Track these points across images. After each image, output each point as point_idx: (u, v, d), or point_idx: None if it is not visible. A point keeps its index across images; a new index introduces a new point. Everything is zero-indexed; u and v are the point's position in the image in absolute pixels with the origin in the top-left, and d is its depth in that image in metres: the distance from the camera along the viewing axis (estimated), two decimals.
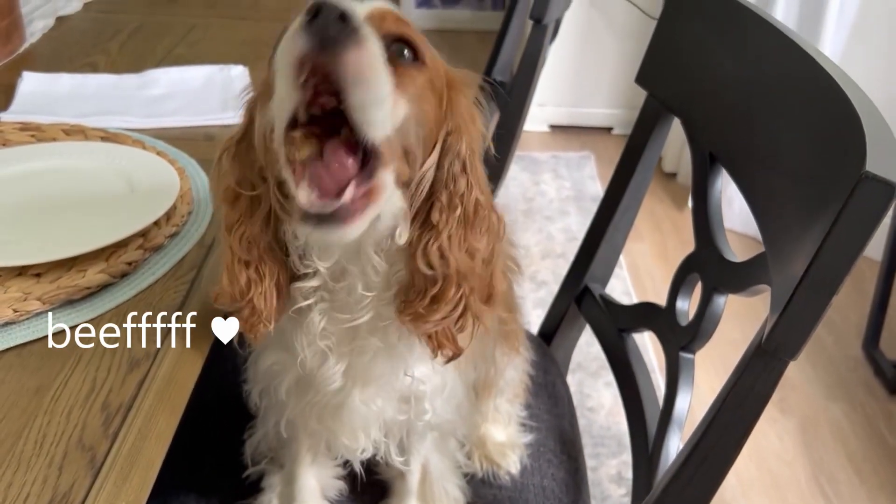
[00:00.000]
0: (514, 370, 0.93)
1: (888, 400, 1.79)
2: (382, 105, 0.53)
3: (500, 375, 0.90)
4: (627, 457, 1.63)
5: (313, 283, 0.63)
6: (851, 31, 2.13)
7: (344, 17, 0.49)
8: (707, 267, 0.87)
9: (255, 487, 0.86)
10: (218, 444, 0.89)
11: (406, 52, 0.56)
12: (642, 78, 1.05)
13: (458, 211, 0.59)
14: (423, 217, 0.61)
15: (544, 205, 2.50)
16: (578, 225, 2.39)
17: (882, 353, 1.87)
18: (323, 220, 0.53)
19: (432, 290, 0.60)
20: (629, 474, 1.60)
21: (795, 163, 0.72)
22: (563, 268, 2.20)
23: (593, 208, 2.67)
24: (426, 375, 0.70)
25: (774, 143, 0.77)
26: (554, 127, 2.95)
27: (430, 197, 0.60)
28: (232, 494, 0.85)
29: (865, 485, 1.58)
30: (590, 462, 1.58)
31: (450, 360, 0.65)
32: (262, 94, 0.59)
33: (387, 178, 0.55)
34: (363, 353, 0.68)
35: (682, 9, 0.97)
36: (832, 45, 2.10)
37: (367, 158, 0.54)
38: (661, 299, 0.96)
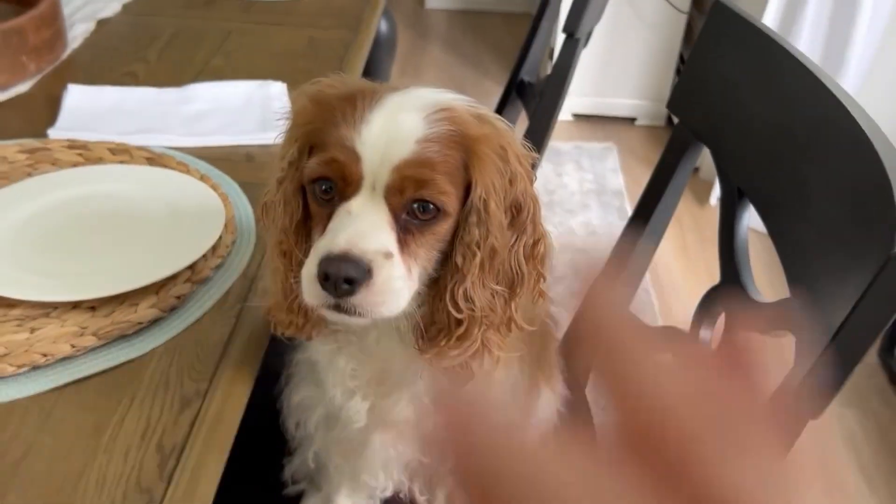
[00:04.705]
0: (548, 406, 0.96)
1: None
2: (400, 300, 0.60)
3: (532, 415, 0.93)
4: None
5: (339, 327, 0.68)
6: (884, 33, 2.11)
7: (351, 281, 0.56)
8: (731, 303, 0.89)
9: (288, 500, 0.91)
10: (256, 461, 0.93)
11: (430, 206, 0.60)
12: (673, 104, 1.07)
13: (478, 257, 0.62)
14: (446, 259, 0.64)
15: (566, 197, 2.51)
16: (599, 219, 2.40)
17: None
18: (339, 310, 0.59)
19: (458, 331, 0.64)
20: None
21: (823, 218, 0.73)
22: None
23: (614, 203, 2.67)
24: None
25: (803, 193, 0.78)
26: (577, 116, 2.95)
27: (451, 241, 0.64)
28: None
29: (876, 495, 1.61)
30: None
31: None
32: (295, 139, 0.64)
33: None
34: (388, 396, 0.72)
35: (717, 40, 0.98)
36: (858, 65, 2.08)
37: None
38: (680, 298, 0.98)
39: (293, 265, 0.64)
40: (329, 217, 0.60)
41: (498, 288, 0.64)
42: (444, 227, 0.61)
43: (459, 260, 0.62)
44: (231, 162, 0.98)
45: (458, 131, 0.60)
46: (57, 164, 0.94)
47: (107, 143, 0.97)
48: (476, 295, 0.62)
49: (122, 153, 0.96)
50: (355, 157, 0.58)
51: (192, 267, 0.78)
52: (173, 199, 0.87)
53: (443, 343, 0.64)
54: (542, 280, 0.66)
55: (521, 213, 0.63)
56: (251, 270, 0.81)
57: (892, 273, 0.56)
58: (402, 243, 0.59)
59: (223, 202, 0.87)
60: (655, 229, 1.10)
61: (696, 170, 2.65)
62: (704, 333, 0.95)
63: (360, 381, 0.70)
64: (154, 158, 0.95)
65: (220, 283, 0.79)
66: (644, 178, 1.08)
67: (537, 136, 1.55)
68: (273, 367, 0.90)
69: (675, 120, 1.03)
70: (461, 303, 0.63)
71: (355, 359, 0.70)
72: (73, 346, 0.69)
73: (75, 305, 0.74)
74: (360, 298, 0.57)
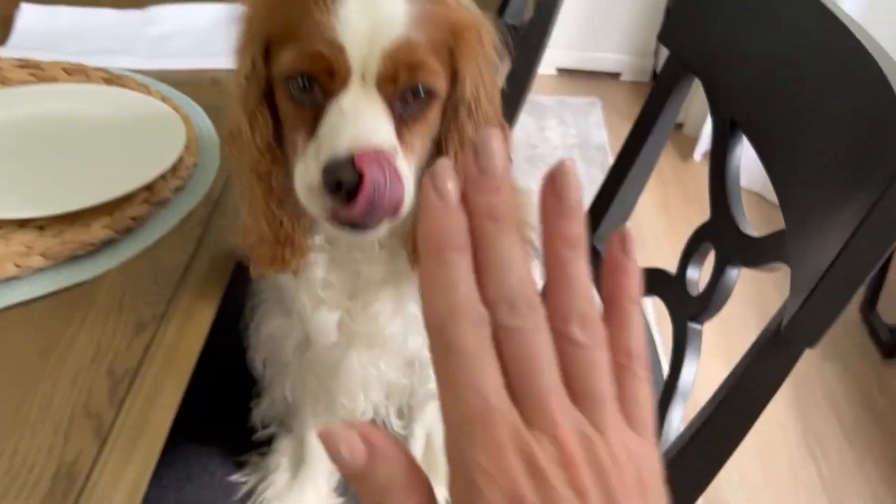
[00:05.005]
0: None
1: (881, 363, 1.81)
2: (410, 197, 0.54)
3: None
4: None
5: (317, 238, 0.63)
6: None
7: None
8: (722, 239, 0.86)
9: (261, 445, 0.87)
10: (223, 402, 0.89)
11: (421, 90, 0.55)
12: (665, 35, 1.02)
13: None
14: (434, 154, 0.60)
15: (548, 152, 2.47)
16: (582, 174, 2.34)
17: (879, 316, 1.87)
18: (353, 227, 0.54)
19: None
20: None
21: (824, 143, 0.69)
22: None
23: (598, 158, 2.63)
24: None
25: (802, 119, 0.74)
26: (561, 70, 2.89)
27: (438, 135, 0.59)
28: (237, 451, 0.86)
29: (854, 448, 1.61)
30: None
31: None
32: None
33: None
34: (366, 309, 0.67)
35: None
36: None
37: None
38: (661, 252, 0.96)
39: (274, 189, 0.59)
40: (313, 119, 0.54)
41: None
42: (435, 113, 0.57)
43: (451, 156, 0.58)
44: (195, 85, 0.92)
45: (441, 12, 0.55)
46: (6, 83, 0.87)
47: (61, 62, 0.91)
48: None
49: (77, 73, 0.90)
50: (339, 47, 0.52)
51: (149, 188, 0.73)
52: (131, 120, 0.81)
53: None
54: None
55: (492, 103, 0.60)
56: (214, 194, 0.76)
57: None
58: (400, 135, 0.55)
59: (185, 124, 0.81)
60: (643, 167, 1.06)
61: (680, 125, 2.61)
62: (692, 273, 0.92)
63: (331, 292, 0.66)
64: (112, 79, 0.89)
65: (181, 207, 0.73)
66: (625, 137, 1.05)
67: (521, 80, 1.50)
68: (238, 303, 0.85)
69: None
70: None
71: (326, 268, 0.65)
72: (17, 266, 0.63)
73: (22, 224, 0.68)
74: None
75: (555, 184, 0.30)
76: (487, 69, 0.58)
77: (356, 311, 0.67)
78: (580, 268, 0.30)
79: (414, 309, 0.67)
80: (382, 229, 0.55)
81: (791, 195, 0.73)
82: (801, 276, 0.64)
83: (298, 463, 0.86)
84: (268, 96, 0.58)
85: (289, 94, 0.56)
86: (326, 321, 0.67)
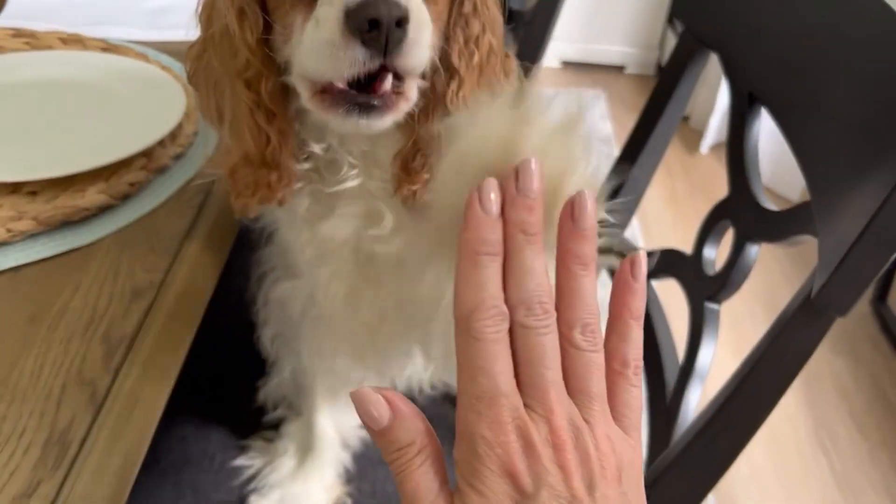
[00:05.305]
0: None
1: (892, 356, 1.78)
2: (426, 56, 0.50)
3: None
4: None
5: (306, 165, 0.58)
6: None
7: (401, 23, 0.46)
8: (741, 215, 0.83)
9: (265, 429, 0.84)
10: (227, 383, 0.86)
11: None
12: (678, 9, 0.99)
13: (476, 57, 0.55)
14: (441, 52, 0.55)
15: None
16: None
17: (889, 308, 1.84)
18: (362, 111, 0.50)
19: None
20: None
21: (850, 110, 0.66)
22: None
23: (603, 149, 2.60)
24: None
25: (826, 86, 0.71)
26: (566, 63, 2.86)
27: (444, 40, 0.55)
28: (240, 435, 0.83)
29: (867, 441, 1.58)
30: None
31: None
32: None
33: (417, 81, 0.52)
34: (341, 222, 0.62)
35: None
36: None
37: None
38: (669, 244, 0.93)
39: (262, 98, 0.53)
40: None
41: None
42: None
43: (456, 60, 0.54)
44: None
45: None
46: (1, 52, 0.85)
47: (58, 32, 0.88)
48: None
49: (74, 43, 0.87)
50: None
51: (148, 154, 0.70)
52: (130, 87, 0.78)
53: (427, 170, 0.55)
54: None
55: (497, 8, 0.57)
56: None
57: None
58: None
59: (185, 93, 0.78)
60: (655, 148, 1.03)
61: (686, 118, 2.58)
62: (709, 252, 0.89)
63: (310, 214, 0.61)
64: (110, 48, 0.86)
65: (180, 174, 0.70)
66: (633, 125, 1.02)
67: (524, 70, 1.47)
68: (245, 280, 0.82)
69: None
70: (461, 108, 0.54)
71: (313, 196, 0.61)
72: (8, 231, 0.60)
73: (14, 190, 0.65)
74: (403, 55, 0.47)
75: (573, 210, 0.34)
76: None
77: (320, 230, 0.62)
78: (588, 283, 0.34)
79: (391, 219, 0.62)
80: (388, 119, 0.51)
81: (816, 164, 0.70)
82: (830, 245, 0.61)
83: (306, 449, 0.82)
84: None
85: None
86: (301, 241, 0.63)
